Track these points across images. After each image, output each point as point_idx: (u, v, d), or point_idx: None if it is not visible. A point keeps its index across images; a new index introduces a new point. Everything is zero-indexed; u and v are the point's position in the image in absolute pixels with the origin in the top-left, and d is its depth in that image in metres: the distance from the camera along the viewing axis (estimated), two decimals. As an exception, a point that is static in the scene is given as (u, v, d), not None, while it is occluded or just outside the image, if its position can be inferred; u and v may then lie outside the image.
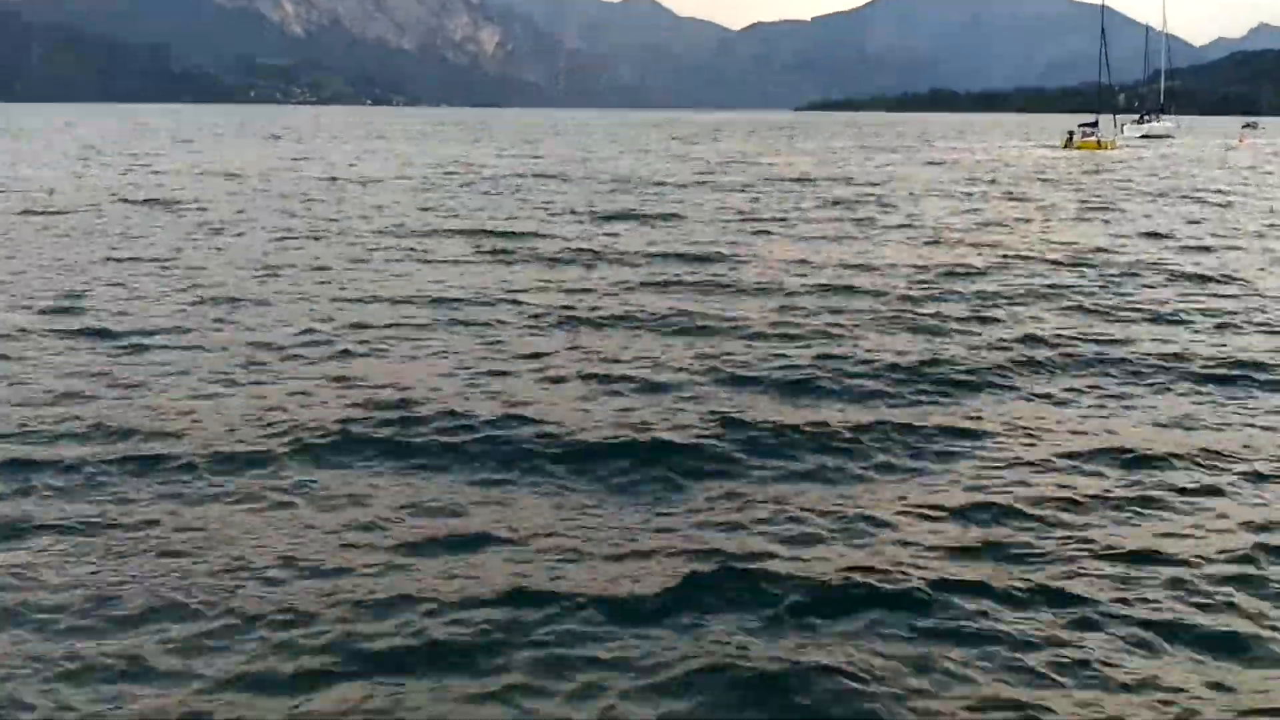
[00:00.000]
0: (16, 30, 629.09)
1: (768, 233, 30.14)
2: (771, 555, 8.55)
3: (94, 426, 11.60)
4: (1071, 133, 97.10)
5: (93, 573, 8.23)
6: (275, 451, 10.89)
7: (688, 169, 60.32)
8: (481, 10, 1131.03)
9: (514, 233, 29.26)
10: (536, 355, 15.19)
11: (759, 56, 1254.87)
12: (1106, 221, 34.30)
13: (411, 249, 26.03)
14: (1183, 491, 10.11)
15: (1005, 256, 25.29)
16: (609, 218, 33.53)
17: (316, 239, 27.74)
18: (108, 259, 24.15)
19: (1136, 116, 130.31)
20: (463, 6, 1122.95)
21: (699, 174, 55.84)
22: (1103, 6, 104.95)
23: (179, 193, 40.72)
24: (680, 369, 14.42)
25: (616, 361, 14.82)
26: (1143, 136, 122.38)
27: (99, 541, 8.80)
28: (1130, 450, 11.09)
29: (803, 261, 24.35)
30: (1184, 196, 44.49)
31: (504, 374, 14.16)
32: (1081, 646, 7.26)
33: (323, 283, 21.09)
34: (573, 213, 34.80)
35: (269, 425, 11.73)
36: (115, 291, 19.99)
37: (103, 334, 16.42)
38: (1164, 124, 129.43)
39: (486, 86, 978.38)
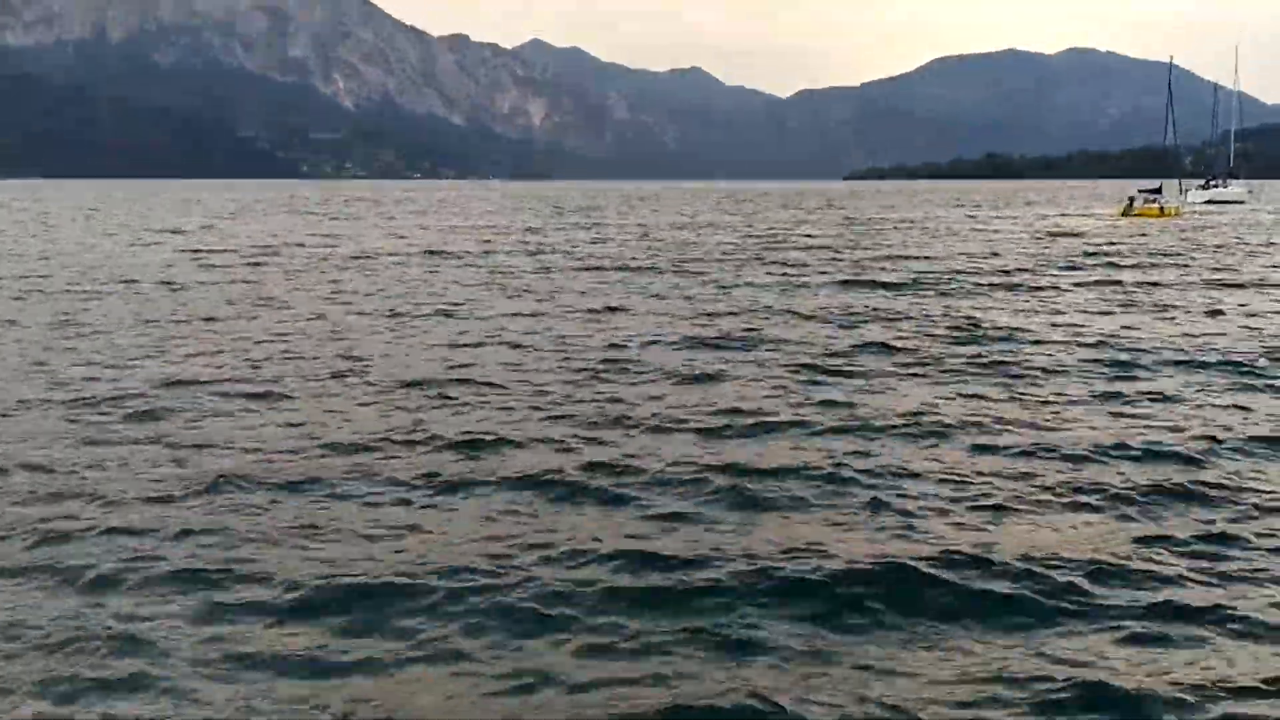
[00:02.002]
0: (83, 104, 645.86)
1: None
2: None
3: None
4: (1131, 199, 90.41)
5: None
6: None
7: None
8: (530, 83, 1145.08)
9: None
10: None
11: (807, 124, 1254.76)
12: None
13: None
14: None
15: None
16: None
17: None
18: None
19: (1202, 181, 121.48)
20: (511, 80, 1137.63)
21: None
22: (1170, 62, 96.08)
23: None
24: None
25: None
26: (1208, 202, 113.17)
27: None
28: None
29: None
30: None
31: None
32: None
33: None
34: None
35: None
36: None
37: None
38: (1234, 189, 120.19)
39: (536, 158, 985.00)
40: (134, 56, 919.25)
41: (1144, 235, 62.60)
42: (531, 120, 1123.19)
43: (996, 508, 11.05)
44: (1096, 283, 34.46)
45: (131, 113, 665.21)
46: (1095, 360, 19.55)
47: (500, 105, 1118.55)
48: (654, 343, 21.60)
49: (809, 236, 62.30)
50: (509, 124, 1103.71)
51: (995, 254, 47.30)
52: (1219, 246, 53.05)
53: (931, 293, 31.44)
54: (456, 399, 16.25)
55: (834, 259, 44.70)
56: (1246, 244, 55.01)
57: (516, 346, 21.25)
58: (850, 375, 18.14)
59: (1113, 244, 54.38)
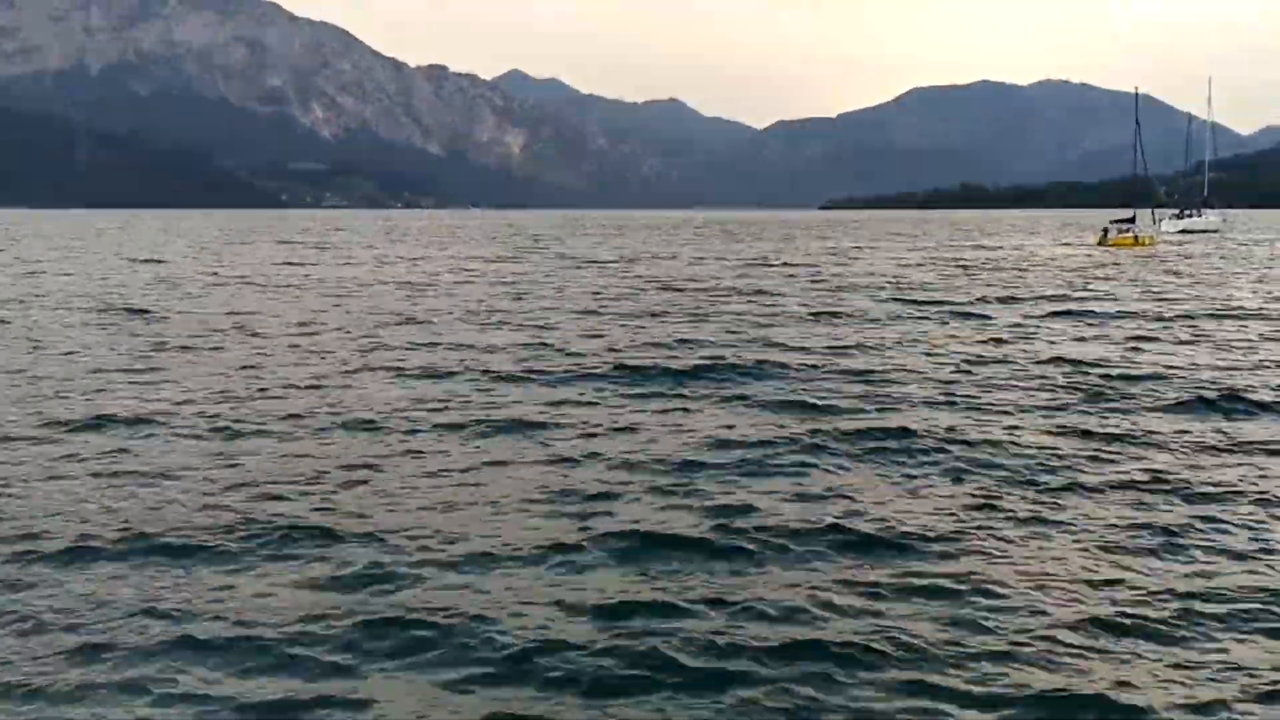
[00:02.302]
0: (63, 134, 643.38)
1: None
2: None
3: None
4: (1106, 229, 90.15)
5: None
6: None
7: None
8: (508, 113, 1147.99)
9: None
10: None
11: (785, 154, 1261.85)
12: None
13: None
14: None
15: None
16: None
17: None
18: None
19: (1176, 211, 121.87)
20: (489, 110, 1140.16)
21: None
22: (1136, 93, 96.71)
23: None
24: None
25: None
26: (1182, 232, 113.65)
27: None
28: None
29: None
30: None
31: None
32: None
33: None
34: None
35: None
36: None
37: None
38: (1209, 218, 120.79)
39: (514, 187, 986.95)
40: (113, 87, 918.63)
41: (1118, 264, 63.05)
42: (510, 150, 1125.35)
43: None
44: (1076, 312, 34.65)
45: (110, 143, 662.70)
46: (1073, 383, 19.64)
47: (479, 135, 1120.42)
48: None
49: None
50: (487, 153, 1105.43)
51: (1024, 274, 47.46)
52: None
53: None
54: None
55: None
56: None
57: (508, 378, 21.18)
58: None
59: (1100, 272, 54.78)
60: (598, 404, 18.28)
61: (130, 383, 20.34)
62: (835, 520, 11.58)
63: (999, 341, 26.64)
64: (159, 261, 65.69)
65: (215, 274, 53.81)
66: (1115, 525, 11.56)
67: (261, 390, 19.43)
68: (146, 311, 33.92)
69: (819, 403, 18.08)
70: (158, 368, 22.21)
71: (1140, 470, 13.79)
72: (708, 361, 22.60)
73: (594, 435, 15.78)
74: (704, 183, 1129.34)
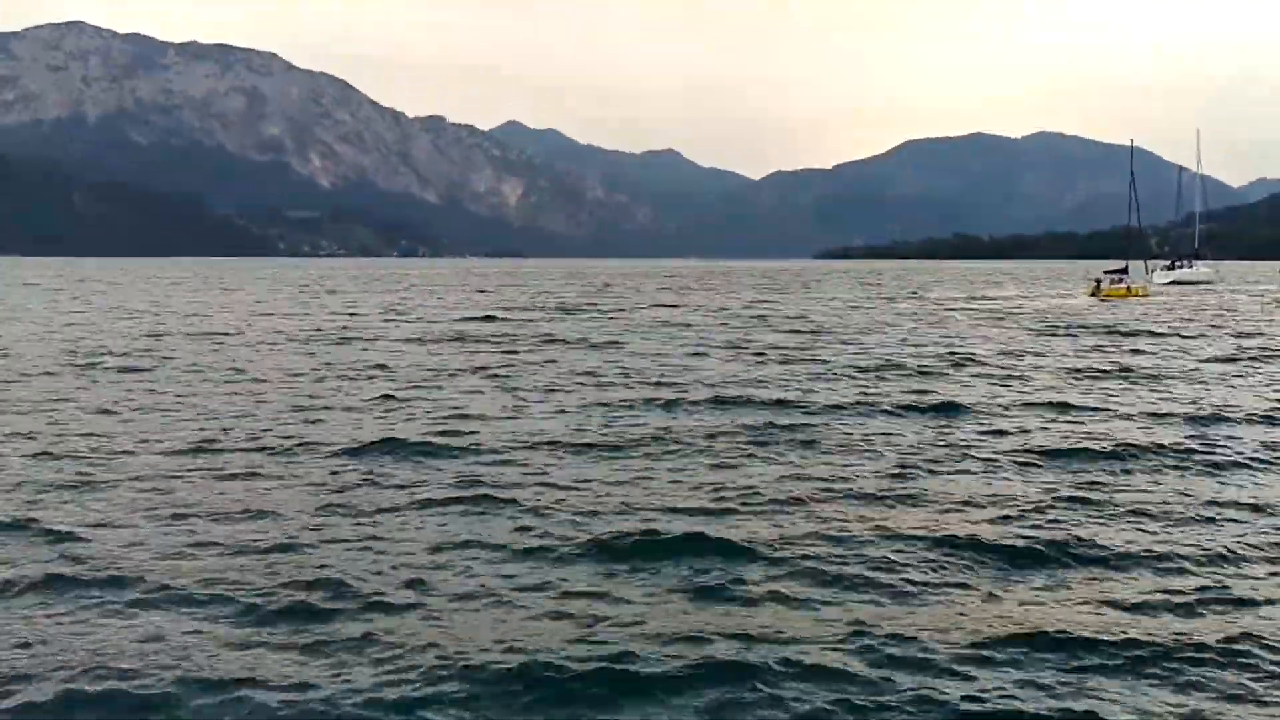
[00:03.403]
0: (59, 183, 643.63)
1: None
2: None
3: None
4: (1098, 280, 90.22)
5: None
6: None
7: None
8: (505, 163, 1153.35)
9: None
10: None
11: (780, 204, 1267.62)
12: None
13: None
14: None
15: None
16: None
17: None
18: None
19: (1168, 262, 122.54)
20: (485, 160, 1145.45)
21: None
22: (1131, 146, 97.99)
23: None
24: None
25: None
26: (1172, 283, 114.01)
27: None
28: None
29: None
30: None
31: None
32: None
33: None
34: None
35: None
36: None
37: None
38: (1201, 269, 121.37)
39: (510, 236, 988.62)
40: (111, 135, 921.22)
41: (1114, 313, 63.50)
42: (506, 199, 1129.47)
43: None
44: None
45: (108, 191, 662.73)
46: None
47: (476, 185, 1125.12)
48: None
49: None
50: (484, 203, 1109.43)
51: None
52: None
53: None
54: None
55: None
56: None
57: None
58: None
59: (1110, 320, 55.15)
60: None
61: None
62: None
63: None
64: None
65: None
66: None
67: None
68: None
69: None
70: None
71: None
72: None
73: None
74: (698, 232, 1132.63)
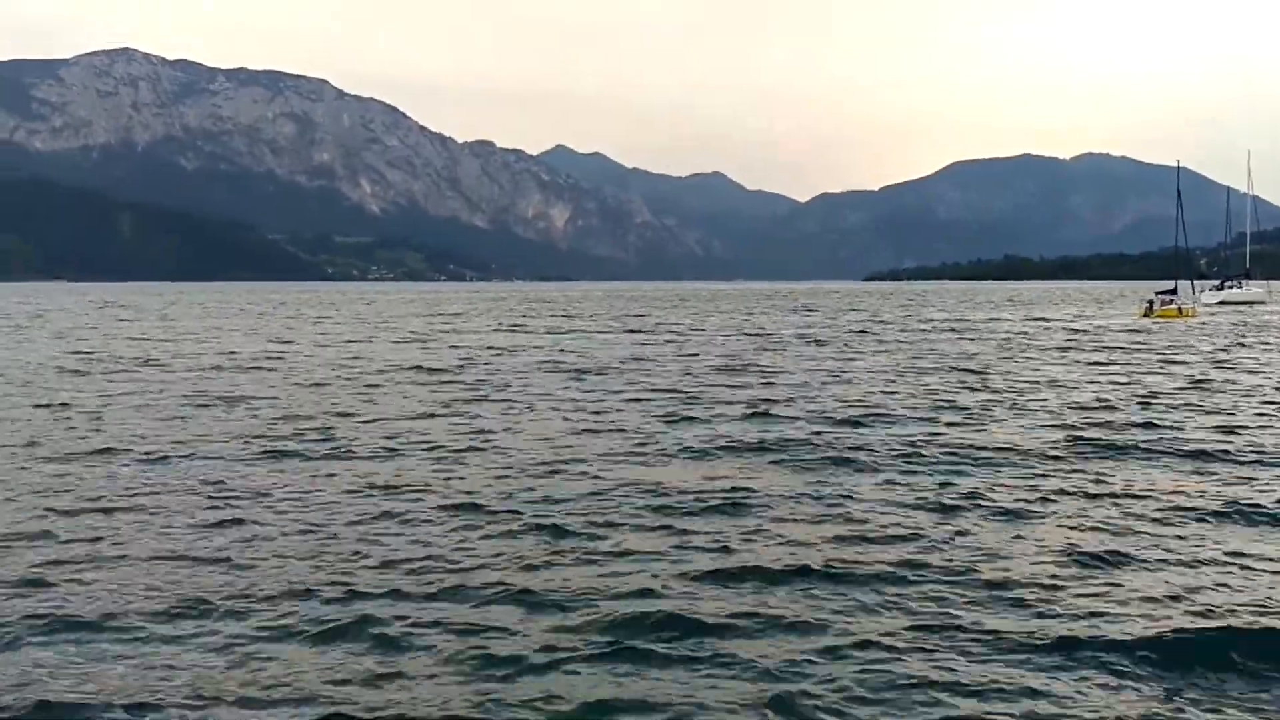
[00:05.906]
0: (103, 209, 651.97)
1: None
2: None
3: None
4: (1150, 301, 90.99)
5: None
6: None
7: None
8: (553, 187, 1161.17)
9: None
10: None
11: (827, 226, 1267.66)
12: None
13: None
14: None
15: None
16: None
17: None
18: None
19: (1217, 282, 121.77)
20: (534, 185, 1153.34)
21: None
22: (1178, 168, 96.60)
23: None
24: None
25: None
26: (1221, 303, 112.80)
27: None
28: None
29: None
30: None
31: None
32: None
33: None
34: None
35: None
36: None
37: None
38: (1252, 290, 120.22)
39: (558, 260, 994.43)
40: (160, 161, 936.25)
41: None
42: (554, 223, 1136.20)
43: None
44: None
45: (156, 217, 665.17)
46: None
47: (523, 209, 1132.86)
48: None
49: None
50: (531, 227, 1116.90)
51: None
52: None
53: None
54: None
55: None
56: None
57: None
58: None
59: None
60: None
61: None
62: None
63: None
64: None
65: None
66: None
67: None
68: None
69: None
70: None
71: None
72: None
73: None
74: (745, 255, 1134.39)
